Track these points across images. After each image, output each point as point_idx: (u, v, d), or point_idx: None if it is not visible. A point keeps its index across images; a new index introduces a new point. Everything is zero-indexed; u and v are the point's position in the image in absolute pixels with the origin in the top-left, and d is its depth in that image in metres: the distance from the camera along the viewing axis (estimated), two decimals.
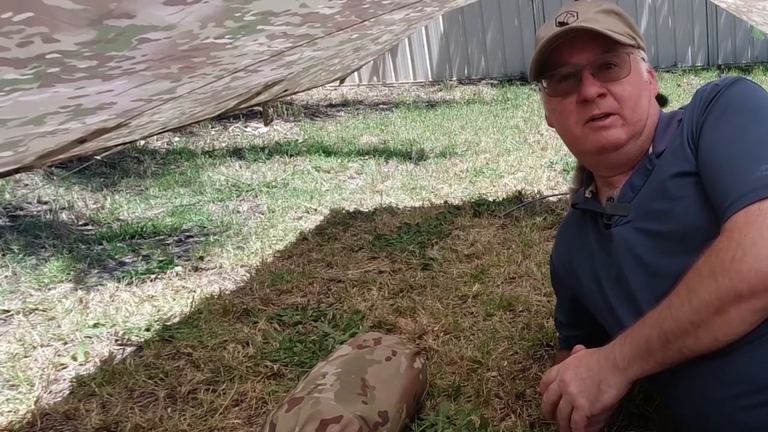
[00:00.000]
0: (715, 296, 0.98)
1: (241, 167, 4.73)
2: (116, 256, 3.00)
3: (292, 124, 6.36)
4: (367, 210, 3.39)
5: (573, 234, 1.42)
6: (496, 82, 8.04)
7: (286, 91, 2.79)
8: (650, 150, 1.23)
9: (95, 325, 2.22)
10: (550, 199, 3.22)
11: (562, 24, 1.21)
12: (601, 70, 1.20)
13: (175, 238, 3.28)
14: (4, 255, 3.01)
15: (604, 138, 1.20)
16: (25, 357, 2.04)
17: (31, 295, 2.60)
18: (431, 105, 7.04)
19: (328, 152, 5.03)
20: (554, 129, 1.33)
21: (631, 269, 1.19)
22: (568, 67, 1.21)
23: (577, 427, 1.13)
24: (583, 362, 1.15)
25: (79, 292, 2.55)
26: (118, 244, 3.14)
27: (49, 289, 2.64)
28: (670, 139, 1.21)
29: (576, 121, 1.22)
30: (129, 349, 2.04)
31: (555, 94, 1.25)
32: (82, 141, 1.61)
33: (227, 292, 2.42)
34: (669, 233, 1.14)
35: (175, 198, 4.03)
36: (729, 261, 0.98)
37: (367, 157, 4.81)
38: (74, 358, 2.00)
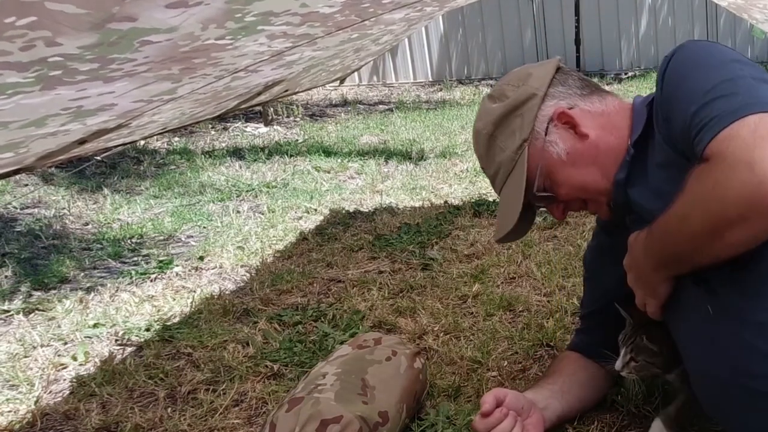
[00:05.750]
0: (708, 225, 0.94)
1: (241, 167, 4.73)
2: (116, 256, 3.00)
3: (292, 124, 6.36)
4: (367, 210, 3.39)
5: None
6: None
7: (286, 91, 2.79)
8: (629, 143, 1.19)
9: (95, 325, 2.22)
10: None
11: None
12: (541, 201, 1.25)
13: (175, 238, 3.28)
14: (3, 255, 3.01)
15: (598, 218, 1.33)
16: (25, 357, 2.04)
17: (31, 295, 2.59)
18: (431, 105, 7.04)
19: (328, 152, 5.02)
20: None
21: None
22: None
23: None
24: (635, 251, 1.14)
25: (79, 292, 2.55)
26: (118, 244, 3.14)
27: (49, 289, 2.64)
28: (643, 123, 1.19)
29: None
30: (129, 349, 2.04)
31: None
32: (82, 142, 1.61)
33: (227, 292, 2.42)
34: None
35: (175, 198, 4.03)
36: (711, 188, 0.92)
37: (367, 157, 4.81)
38: (74, 358, 2.00)
